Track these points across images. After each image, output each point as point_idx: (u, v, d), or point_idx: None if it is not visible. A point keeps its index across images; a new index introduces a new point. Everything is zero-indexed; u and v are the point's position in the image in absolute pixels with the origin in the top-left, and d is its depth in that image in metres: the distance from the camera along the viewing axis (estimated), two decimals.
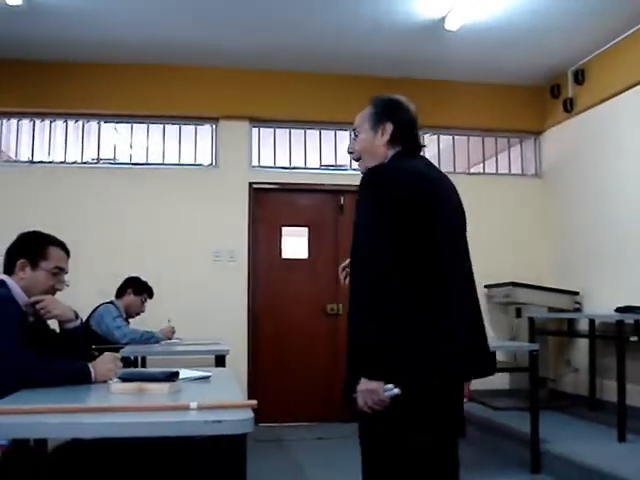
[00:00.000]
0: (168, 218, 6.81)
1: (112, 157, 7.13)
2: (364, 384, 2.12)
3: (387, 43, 6.36)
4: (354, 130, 2.55)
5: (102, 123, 7.08)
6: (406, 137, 2.46)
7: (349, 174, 7.23)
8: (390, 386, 2.11)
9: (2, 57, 6.62)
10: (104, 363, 2.46)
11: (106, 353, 2.58)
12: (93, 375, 2.39)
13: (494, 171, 7.68)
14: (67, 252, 2.82)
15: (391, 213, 2.16)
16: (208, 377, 2.65)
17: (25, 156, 7.05)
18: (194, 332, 5.78)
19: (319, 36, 6.25)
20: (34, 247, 2.73)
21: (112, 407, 1.89)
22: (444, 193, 2.42)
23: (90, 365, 2.43)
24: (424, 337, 2.13)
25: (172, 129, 7.15)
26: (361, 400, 2.14)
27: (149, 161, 7.07)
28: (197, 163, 7.11)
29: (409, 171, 2.32)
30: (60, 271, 2.76)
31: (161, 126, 7.12)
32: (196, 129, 7.18)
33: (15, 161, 7.09)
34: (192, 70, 6.91)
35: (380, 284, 2.11)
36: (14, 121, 7.05)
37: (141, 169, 6.97)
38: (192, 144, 7.16)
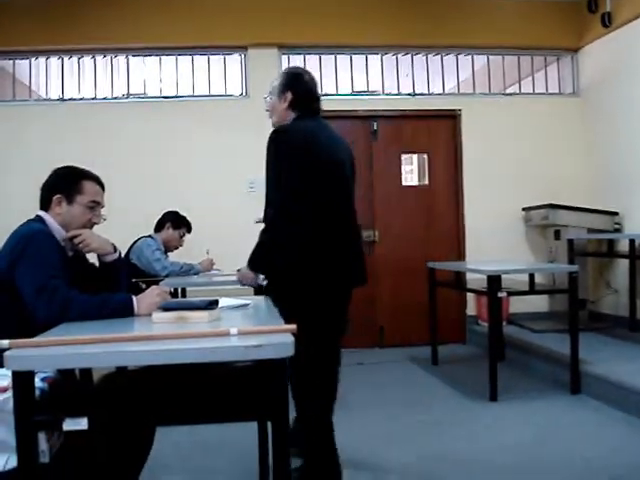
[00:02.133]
0: (201, 150, 6.81)
1: (142, 91, 7.10)
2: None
3: None
4: (269, 94, 3.36)
5: (130, 57, 7.04)
6: (303, 104, 3.26)
7: (381, 99, 7.14)
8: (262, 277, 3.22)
9: None
10: (149, 297, 2.46)
11: (153, 286, 2.59)
12: (136, 307, 2.41)
13: (531, 91, 7.49)
14: (102, 186, 2.82)
15: (284, 161, 3.04)
16: (247, 305, 2.67)
17: (55, 94, 7.06)
18: (231, 263, 5.83)
19: None
20: (69, 182, 2.73)
21: (154, 335, 1.92)
22: (326, 146, 3.17)
23: (134, 298, 2.44)
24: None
25: (201, 60, 7.08)
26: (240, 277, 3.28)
27: (179, 94, 7.03)
28: (227, 94, 7.05)
29: (300, 131, 3.13)
30: (96, 205, 2.76)
31: (190, 57, 7.05)
32: (225, 59, 7.10)
33: (46, 99, 7.10)
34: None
35: (275, 208, 3.04)
36: (42, 59, 7.04)
37: (171, 102, 6.94)
38: (222, 74, 7.09)
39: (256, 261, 3.16)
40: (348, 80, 7.19)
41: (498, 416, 4.47)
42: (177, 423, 2.20)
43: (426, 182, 7.27)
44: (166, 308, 2.29)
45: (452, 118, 7.21)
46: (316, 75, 7.05)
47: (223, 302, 2.55)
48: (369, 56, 7.19)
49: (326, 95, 7.05)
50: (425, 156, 7.28)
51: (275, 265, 3.12)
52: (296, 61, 7.10)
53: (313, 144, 3.10)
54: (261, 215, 3.20)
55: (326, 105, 6.86)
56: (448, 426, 4.33)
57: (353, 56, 7.18)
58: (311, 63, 7.12)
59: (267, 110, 3.40)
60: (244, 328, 1.89)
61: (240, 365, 2.20)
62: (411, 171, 7.43)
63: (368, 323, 6.97)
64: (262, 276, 3.23)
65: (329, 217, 3.13)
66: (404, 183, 7.26)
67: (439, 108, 7.19)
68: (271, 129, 3.22)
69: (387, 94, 7.22)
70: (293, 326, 1.88)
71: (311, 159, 3.07)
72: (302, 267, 3.10)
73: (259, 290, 3.49)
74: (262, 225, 3.13)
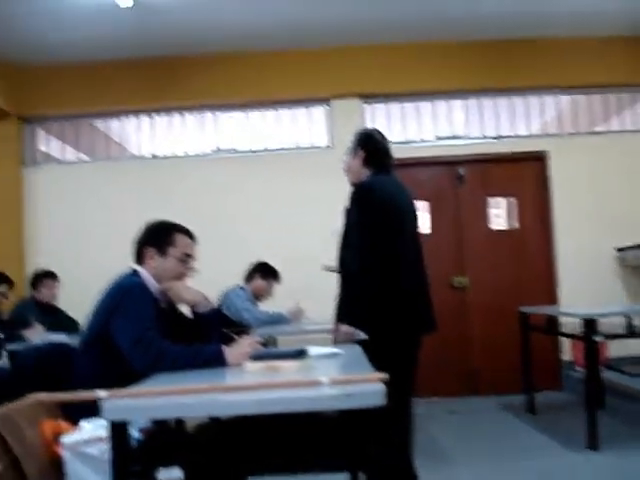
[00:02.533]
0: (288, 201, 6.91)
1: (231, 146, 7.29)
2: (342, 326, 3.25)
3: (495, 4, 6.14)
4: (346, 155, 3.63)
5: (218, 113, 7.25)
6: (376, 160, 3.52)
7: (466, 144, 7.10)
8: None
9: (115, 57, 6.89)
10: (240, 347, 2.49)
11: (244, 337, 2.62)
12: (227, 358, 2.44)
13: (620, 128, 7.31)
14: (193, 238, 2.89)
15: (365, 215, 3.27)
16: (337, 354, 2.67)
17: (147, 151, 7.33)
18: (320, 312, 5.84)
19: (421, 5, 6.12)
20: (161, 235, 2.82)
21: (246, 385, 1.93)
22: (399, 200, 3.44)
23: (224, 348, 2.47)
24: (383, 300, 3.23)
25: (286, 113, 7.23)
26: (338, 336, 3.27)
27: (266, 147, 7.18)
28: (313, 145, 7.16)
29: (379, 187, 3.38)
30: (188, 257, 2.84)
31: (275, 111, 7.22)
32: (309, 111, 7.23)
33: (138, 156, 7.37)
34: (301, 53, 6.94)
35: (360, 262, 3.19)
36: (134, 118, 7.34)
37: (259, 155, 7.10)
38: (307, 126, 7.22)
39: (344, 313, 3.29)
40: (431, 126, 7.20)
41: (599, 467, 4.28)
42: (269, 473, 2.20)
43: (516, 225, 7.15)
44: (257, 358, 2.31)
45: (539, 159, 7.10)
46: (399, 122, 7.17)
47: (313, 351, 2.55)
48: (452, 101, 7.19)
49: (410, 142, 7.10)
50: (513, 199, 7.17)
51: (358, 316, 3.24)
52: (379, 110, 7.17)
53: (390, 199, 3.35)
54: (330, 263, 3.40)
55: (410, 152, 6.99)
56: (547, 477, 4.17)
57: (435, 102, 7.20)
58: (393, 111, 7.18)
59: (344, 170, 3.64)
60: (335, 377, 1.89)
61: (330, 414, 2.19)
62: (499, 215, 7.33)
63: (459, 370, 6.84)
64: (360, 331, 3.27)
65: (403, 268, 3.32)
66: (493, 227, 7.16)
67: (525, 150, 7.09)
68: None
69: (471, 138, 7.18)
70: (384, 375, 1.86)
71: (388, 213, 3.30)
72: (379, 317, 3.23)
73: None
74: (330, 272, 3.46)
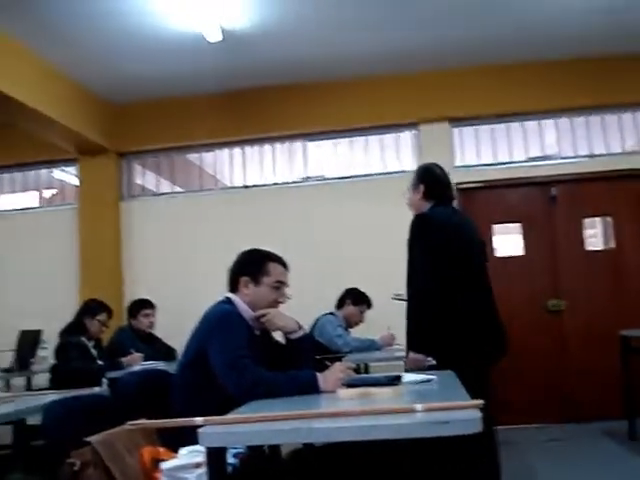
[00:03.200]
0: (379, 227, 6.89)
1: (320, 173, 7.36)
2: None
3: (584, 21, 6.01)
4: (407, 189, 3.74)
5: (307, 142, 7.34)
6: (435, 193, 3.62)
7: (559, 163, 6.94)
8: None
9: (207, 91, 7.09)
10: (333, 373, 2.49)
11: (337, 363, 2.63)
12: (321, 384, 2.44)
13: None
14: (285, 266, 2.93)
15: (424, 244, 3.37)
16: (431, 380, 2.63)
17: (239, 181, 7.48)
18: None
19: (507, 25, 6.04)
20: (255, 264, 2.87)
21: (340, 412, 1.93)
22: (460, 229, 3.54)
23: (318, 375, 2.48)
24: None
25: (374, 139, 7.26)
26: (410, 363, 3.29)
27: (355, 173, 7.21)
28: (401, 170, 7.15)
29: (437, 217, 3.50)
30: (281, 285, 2.87)
31: (363, 138, 7.26)
32: (398, 136, 7.24)
33: (231, 187, 7.54)
34: (388, 79, 6.96)
35: (425, 292, 3.30)
36: (226, 150, 7.51)
37: (348, 182, 7.13)
38: (395, 152, 7.22)
39: (411, 341, 3.36)
40: (522, 147, 7.08)
41: None
42: None
43: (612, 245, 6.93)
44: (350, 384, 2.31)
45: (635, 177, 6.86)
46: (488, 144, 7.07)
47: (406, 377, 2.53)
48: (542, 121, 7.06)
49: (500, 164, 7.00)
50: (609, 218, 6.95)
51: (425, 343, 3.32)
52: (467, 133, 7.11)
53: (448, 227, 3.46)
54: (400, 292, 3.49)
55: (501, 173, 6.89)
56: None
57: (526, 122, 7.09)
58: (483, 133, 7.10)
59: (407, 204, 3.77)
60: (429, 404, 1.86)
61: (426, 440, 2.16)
62: (594, 235, 7.12)
63: (557, 395, 6.63)
64: (430, 358, 3.32)
65: (466, 294, 3.37)
66: (588, 248, 6.96)
67: (620, 168, 6.88)
68: None
69: (564, 157, 7.01)
70: (480, 401, 1.83)
71: (447, 241, 3.39)
72: (444, 343, 3.27)
73: None
74: (400, 301, 3.49)
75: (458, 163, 7.05)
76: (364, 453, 2.18)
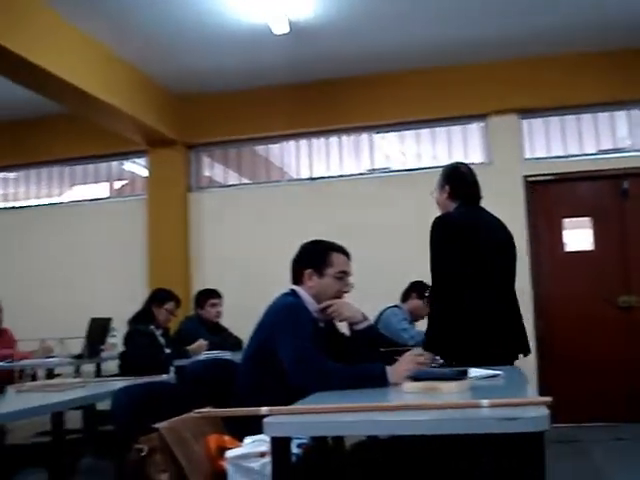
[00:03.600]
0: None
1: (386, 166, 7.33)
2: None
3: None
4: (435, 190, 3.75)
5: (374, 134, 7.32)
6: (461, 193, 3.63)
7: (630, 156, 6.74)
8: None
9: (273, 83, 7.13)
10: (403, 365, 2.47)
11: (407, 354, 2.61)
12: (390, 377, 2.43)
13: None
14: (348, 255, 2.92)
15: (442, 245, 3.42)
16: (497, 375, 2.60)
17: (305, 173, 7.51)
18: None
19: (579, 14, 5.89)
20: (318, 256, 2.86)
21: (405, 405, 1.92)
22: (485, 231, 3.53)
23: (387, 367, 2.46)
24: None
25: (441, 131, 7.19)
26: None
27: (421, 166, 7.16)
28: (469, 162, 7.05)
29: (458, 217, 3.54)
30: (344, 274, 2.87)
31: (430, 130, 7.19)
32: (465, 128, 7.15)
33: (296, 179, 7.57)
34: (456, 70, 6.88)
35: (435, 290, 3.40)
36: (293, 142, 7.55)
37: (414, 175, 7.07)
38: (462, 144, 7.14)
39: (429, 343, 3.38)
40: (593, 139, 6.91)
41: None
42: None
43: None
44: (416, 378, 2.29)
45: None
46: (558, 136, 6.92)
47: (473, 372, 2.50)
48: (614, 113, 6.88)
49: (570, 156, 6.85)
50: None
51: (446, 344, 3.32)
52: (536, 124, 6.97)
53: (470, 228, 3.48)
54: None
55: (570, 166, 6.74)
56: None
57: (597, 114, 6.91)
58: (552, 125, 6.96)
59: (437, 204, 3.78)
60: (496, 400, 1.83)
61: (490, 436, 2.13)
62: None
63: (626, 394, 6.46)
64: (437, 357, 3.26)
65: (483, 293, 3.38)
66: None
67: None
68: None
69: (636, 150, 6.80)
70: (548, 398, 1.79)
71: (469, 241, 3.41)
72: (468, 343, 3.29)
73: None
74: None
75: (527, 155, 6.92)
76: (427, 447, 2.16)
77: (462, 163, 3.87)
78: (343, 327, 3.02)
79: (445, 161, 7.05)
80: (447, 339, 3.32)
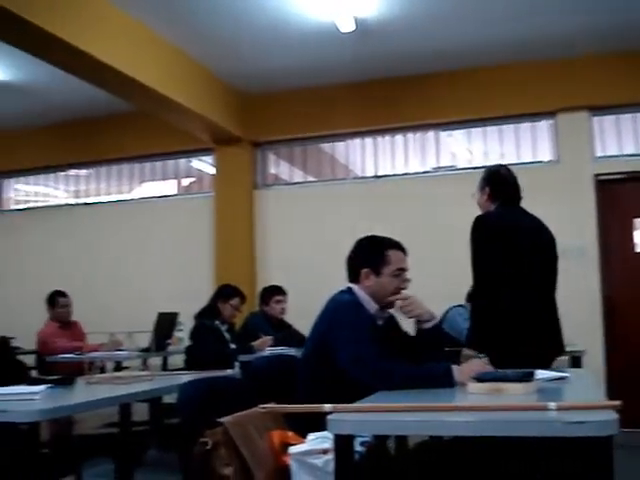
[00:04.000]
0: None
1: (452, 164, 7.26)
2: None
3: None
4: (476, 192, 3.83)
5: (440, 132, 7.26)
6: (501, 194, 3.70)
7: None
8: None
9: (339, 80, 7.12)
10: (470, 367, 2.44)
11: (474, 359, 2.58)
12: (456, 377, 2.39)
13: None
14: (404, 251, 2.88)
15: (483, 245, 3.48)
16: (565, 378, 2.55)
17: (370, 171, 7.49)
18: None
19: None
20: (374, 254, 2.84)
21: (470, 406, 1.90)
22: (524, 231, 3.56)
23: (454, 367, 2.43)
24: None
25: (509, 129, 7.08)
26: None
27: (488, 164, 7.05)
28: (537, 160, 6.94)
29: (498, 217, 3.64)
30: (401, 272, 2.84)
31: (498, 128, 7.09)
32: (534, 126, 7.02)
33: (362, 177, 7.56)
34: (525, 67, 6.75)
35: (476, 290, 3.47)
36: (358, 140, 7.54)
37: (481, 173, 6.95)
38: (530, 142, 7.02)
39: (472, 340, 3.44)
40: None
41: None
42: None
43: None
44: (481, 379, 2.26)
45: None
46: (631, 134, 6.74)
47: (539, 374, 2.45)
48: None
49: None
50: None
51: (478, 340, 3.39)
52: (608, 122, 6.80)
53: (510, 228, 3.53)
54: None
55: None
56: None
57: None
58: (624, 123, 6.78)
59: (478, 205, 3.86)
60: (564, 403, 1.80)
61: (557, 440, 2.09)
62: None
63: None
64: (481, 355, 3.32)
65: (522, 292, 3.39)
66: None
67: None
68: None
69: None
70: (617, 402, 1.75)
71: (508, 241, 3.46)
72: (498, 341, 3.29)
73: None
74: None
75: (598, 154, 6.76)
76: (491, 450, 2.13)
77: (502, 165, 3.95)
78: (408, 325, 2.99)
79: (513, 159, 6.97)
80: (486, 337, 3.35)
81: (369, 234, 2.97)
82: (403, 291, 2.86)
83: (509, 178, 3.78)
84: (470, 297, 3.53)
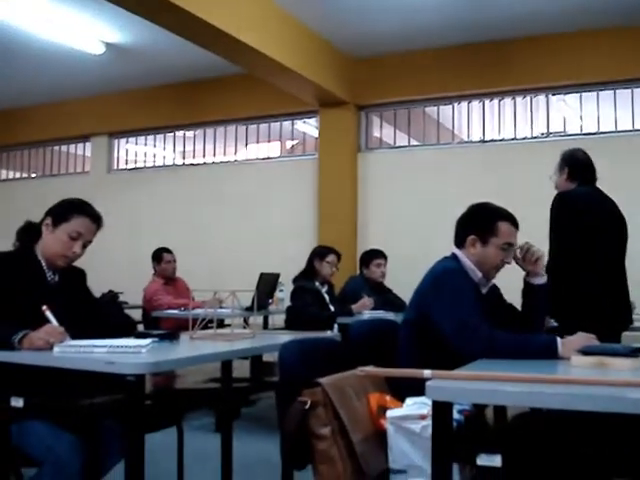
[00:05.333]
0: (629, 187, 6.44)
1: (562, 129, 7.02)
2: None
3: None
4: (553, 174, 4.05)
5: (550, 96, 7.02)
6: (579, 175, 3.88)
7: None
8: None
9: (446, 44, 7.01)
10: (576, 341, 2.35)
11: (581, 333, 2.50)
12: (560, 350, 2.33)
13: None
14: (516, 225, 2.79)
15: (564, 222, 3.65)
16: None
17: (476, 136, 7.34)
18: None
19: None
20: (484, 222, 2.77)
21: (572, 379, 1.85)
22: (602, 210, 3.74)
23: (559, 340, 2.36)
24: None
25: (623, 94, 6.77)
26: None
27: (601, 130, 6.79)
28: None
29: (579, 196, 3.79)
30: (509, 246, 2.76)
31: (611, 92, 6.79)
32: None
33: (467, 141, 7.42)
34: (637, 30, 6.40)
35: (556, 264, 3.50)
36: (464, 104, 7.38)
37: (593, 139, 6.72)
38: None
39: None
40: None
41: None
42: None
43: None
44: (587, 352, 2.20)
45: None
46: None
47: None
48: None
49: None
50: None
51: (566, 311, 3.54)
52: None
53: (589, 206, 3.72)
54: None
55: None
56: None
57: None
58: None
59: (555, 188, 4.02)
60: None
61: None
62: None
63: None
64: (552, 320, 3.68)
65: (599, 268, 3.61)
66: None
67: None
68: None
69: None
70: None
71: (588, 219, 3.63)
72: (586, 311, 3.50)
73: None
74: None
75: None
76: (592, 426, 2.08)
77: (579, 149, 4.08)
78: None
79: (627, 126, 6.67)
80: (564, 311, 3.52)
81: (483, 201, 2.90)
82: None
83: (585, 159, 3.97)
84: (547, 270, 3.38)
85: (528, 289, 2.88)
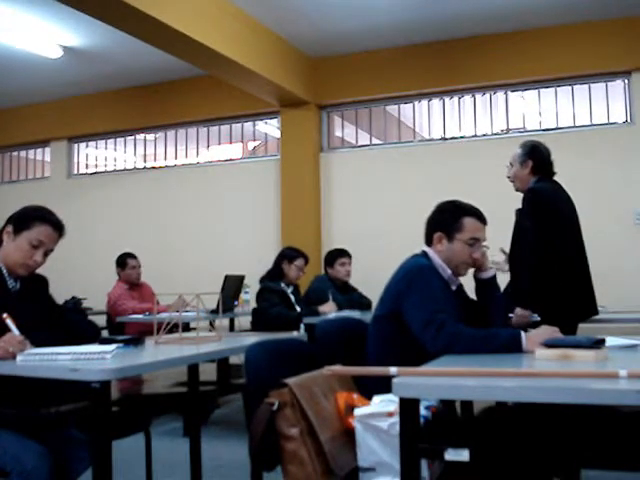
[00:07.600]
0: (582, 182, 6.54)
1: (521, 126, 7.10)
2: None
3: None
4: (510, 164, 4.12)
5: (509, 93, 7.09)
6: (542, 169, 3.98)
7: None
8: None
9: (405, 43, 7.07)
10: (541, 334, 2.39)
11: (544, 326, 2.53)
12: (524, 344, 2.35)
13: None
14: (483, 220, 2.82)
15: (537, 216, 3.73)
16: (636, 345, 2.49)
17: (437, 134, 7.39)
18: (616, 300, 5.49)
19: None
20: (449, 219, 2.80)
21: (536, 372, 1.87)
22: (564, 202, 3.94)
23: (522, 334, 2.38)
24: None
25: (581, 89, 6.86)
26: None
27: (559, 125, 6.88)
28: (610, 122, 6.73)
29: (548, 191, 3.89)
30: (475, 242, 2.78)
31: (569, 88, 6.88)
32: (607, 86, 6.79)
33: (428, 139, 7.47)
34: (597, 25, 6.51)
35: (536, 257, 3.65)
36: (425, 102, 7.43)
37: (551, 135, 6.80)
38: (603, 103, 6.80)
39: (521, 299, 3.72)
40: None
41: None
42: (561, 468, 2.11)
43: None
44: (550, 345, 2.23)
45: None
46: None
47: (610, 341, 2.40)
48: None
49: None
50: None
51: (533, 302, 3.71)
52: None
53: (555, 202, 3.86)
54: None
55: None
56: None
57: None
58: None
59: (508, 177, 4.15)
60: (635, 370, 1.75)
61: (626, 409, 2.05)
62: None
63: None
64: (535, 314, 3.75)
65: (568, 261, 3.78)
66: None
67: None
68: None
69: None
70: None
71: (555, 214, 3.78)
72: (548, 302, 3.66)
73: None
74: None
75: None
76: (557, 418, 2.10)
77: (540, 142, 4.14)
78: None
79: (585, 121, 6.78)
80: (544, 299, 3.67)
81: (451, 198, 2.92)
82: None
83: (548, 154, 4.04)
84: (529, 265, 3.70)
85: (481, 284, 2.91)
